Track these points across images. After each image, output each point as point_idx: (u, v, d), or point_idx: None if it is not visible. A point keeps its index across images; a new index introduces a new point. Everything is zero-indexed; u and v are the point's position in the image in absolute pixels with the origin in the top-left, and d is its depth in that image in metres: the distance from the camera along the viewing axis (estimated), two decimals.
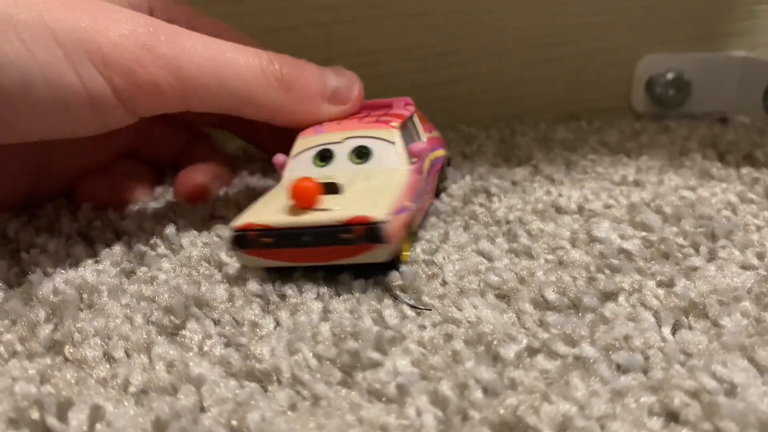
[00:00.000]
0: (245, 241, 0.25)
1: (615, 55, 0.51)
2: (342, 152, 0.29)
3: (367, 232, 0.24)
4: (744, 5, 0.51)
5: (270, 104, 0.30)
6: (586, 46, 0.50)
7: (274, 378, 0.21)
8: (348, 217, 0.24)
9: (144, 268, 0.28)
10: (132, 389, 0.21)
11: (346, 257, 0.25)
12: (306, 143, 0.30)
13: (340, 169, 0.29)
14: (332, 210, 0.25)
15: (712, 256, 0.27)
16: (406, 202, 0.27)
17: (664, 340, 0.22)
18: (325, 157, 0.29)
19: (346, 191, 0.27)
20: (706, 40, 0.51)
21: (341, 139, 0.30)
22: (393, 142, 0.29)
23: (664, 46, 0.51)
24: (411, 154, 0.29)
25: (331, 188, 0.27)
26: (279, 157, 0.30)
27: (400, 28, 0.47)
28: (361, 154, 0.29)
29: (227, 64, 0.28)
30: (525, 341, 0.22)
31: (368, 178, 0.28)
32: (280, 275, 0.26)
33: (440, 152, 0.34)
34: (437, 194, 0.35)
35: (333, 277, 0.26)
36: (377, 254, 0.25)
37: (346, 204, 0.26)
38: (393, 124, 0.30)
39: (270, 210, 0.26)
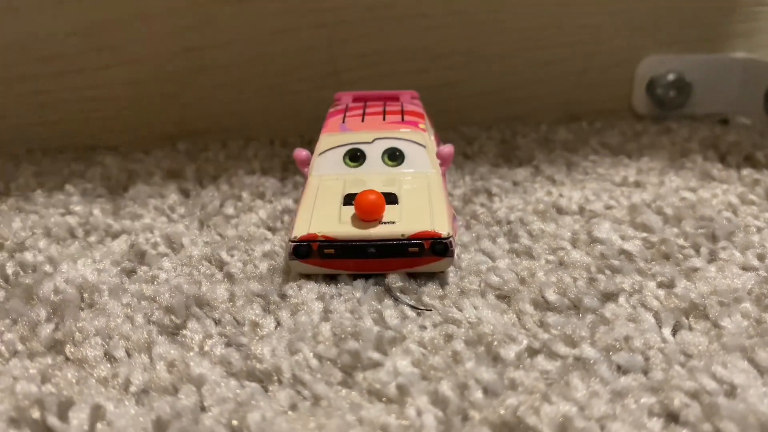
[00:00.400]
0: (306, 251, 0.25)
1: (616, 56, 0.51)
2: (373, 153, 0.29)
3: (434, 246, 0.25)
4: (745, 7, 0.51)
5: None
6: (587, 48, 0.50)
7: (275, 378, 0.21)
8: (415, 232, 0.25)
9: (144, 267, 0.28)
10: (133, 389, 0.21)
11: (410, 268, 0.26)
12: (331, 141, 0.30)
13: (373, 171, 0.29)
14: (396, 223, 0.26)
15: (712, 258, 0.27)
16: (451, 209, 0.28)
17: (664, 341, 0.22)
18: (356, 157, 0.29)
19: (402, 200, 0.27)
20: (707, 41, 0.51)
21: (370, 139, 0.29)
22: (424, 146, 0.29)
23: (665, 47, 0.51)
24: (439, 158, 0.29)
25: (390, 197, 0.27)
26: (301, 152, 0.30)
27: (402, 30, 0.47)
28: (394, 156, 0.29)
29: None
30: (525, 342, 0.22)
31: (408, 183, 0.28)
32: (281, 275, 0.27)
33: None
34: None
35: (333, 277, 0.26)
36: (441, 265, 0.26)
37: (407, 216, 0.26)
38: (421, 126, 0.30)
39: (328, 219, 0.26)
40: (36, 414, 0.19)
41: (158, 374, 0.21)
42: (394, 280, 0.25)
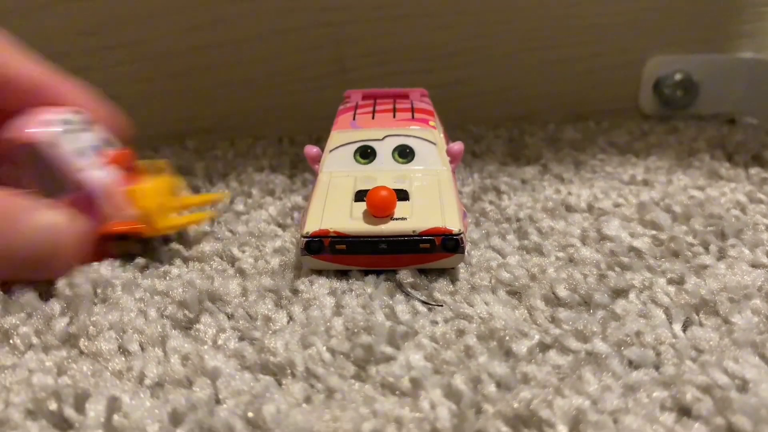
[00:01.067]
0: (318, 246, 0.26)
1: (623, 56, 0.51)
2: (384, 150, 0.29)
3: (445, 242, 0.25)
4: (752, 7, 0.51)
5: None
6: (594, 48, 0.50)
7: (288, 371, 0.21)
8: (427, 228, 0.25)
9: (156, 263, 0.28)
10: (147, 382, 0.21)
11: (420, 264, 0.26)
12: (342, 138, 0.30)
13: (384, 169, 0.29)
14: (407, 219, 0.26)
15: (721, 255, 0.28)
16: (461, 206, 0.28)
17: (675, 336, 0.22)
18: (366, 154, 0.29)
19: (413, 197, 0.27)
20: (714, 41, 0.51)
21: (381, 136, 0.30)
22: (434, 143, 0.30)
23: (673, 47, 0.51)
24: (449, 155, 0.29)
25: (401, 194, 0.27)
26: (312, 149, 0.30)
27: (409, 29, 0.47)
28: (404, 153, 0.29)
29: None
30: (537, 337, 0.22)
31: (419, 180, 0.28)
32: (292, 271, 0.27)
33: None
34: None
35: (344, 273, 0.26)
36: (452, 261, 0.26)
37: (418, 212, 0.26)
38: (431, 123, 0.30)
39: (339, 215, 0.26)
40: (53, 405, 0.19)
41: (172, 367, 0.21)
42: (405, 275, 0.26)
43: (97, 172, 0.26)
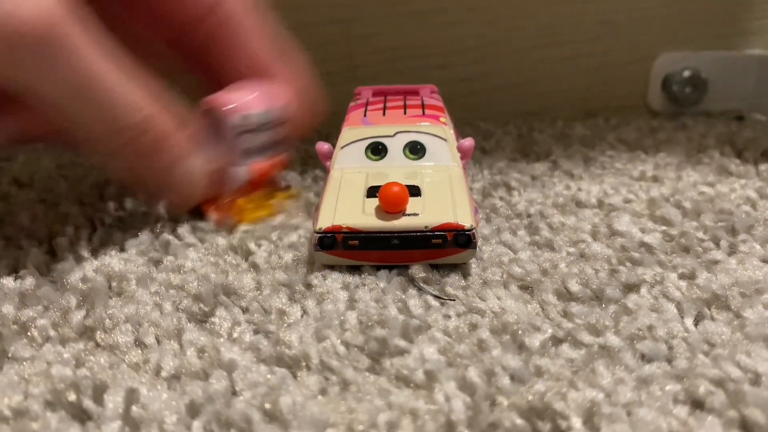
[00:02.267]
0: (331, 242, 0.26)
1: (632, 53, 0.51)
2: (395, 147, 0.30)
3: (457, 237, 0.25)
4: (761, 4, 0.51)
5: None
6: (603, 45, 0.50)
7: (303, 364, 0.21)
8: (439, 223, 0.25)
9: (171, 257, 0.28)
10: (164, 374, 0.21)
11: (432, 259, 0.26)
12: (353, 135, 0.30)
13: (395, 165, 0.29)
14: (419, 215, 0.26)
15: (732, 250, 0.28)
16: (473, 202, 0.28)
17: (687, 330, 0.22)
18: (378, 150, 0.30)
19: (424, 193, 0.27)
20: (722, 38, 0.52)
21: (392, 133, 0.30)
22: (445, 139, 0.30)
23: (681, 44, 0.51)
24: (459, 151, 0.30)
25: (413, 190, 0.27)
26: (323, 145, 0.30)
27: (419, 25, 0.48)
28: (415, 149, 0.29)
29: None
30: (550, 331, 0.22)
31: (430, 176, 0.28)
32: (305, 266, 0.27)
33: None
34: None
35: (357, 268, 0.26)
36: (464, 257, 0.26)
37: (430, 208, 0.26)
38: (442, 119, 0.31)
39: (352, 211, 0.26)
40: (72, 397, 0.20)
41: (189, 360, 0.21)
42: (417, 270, 0.26)
43: (242, 169, 0.31)
